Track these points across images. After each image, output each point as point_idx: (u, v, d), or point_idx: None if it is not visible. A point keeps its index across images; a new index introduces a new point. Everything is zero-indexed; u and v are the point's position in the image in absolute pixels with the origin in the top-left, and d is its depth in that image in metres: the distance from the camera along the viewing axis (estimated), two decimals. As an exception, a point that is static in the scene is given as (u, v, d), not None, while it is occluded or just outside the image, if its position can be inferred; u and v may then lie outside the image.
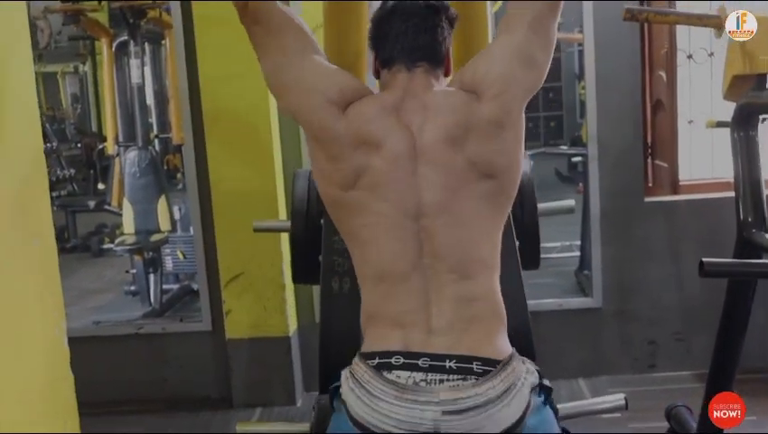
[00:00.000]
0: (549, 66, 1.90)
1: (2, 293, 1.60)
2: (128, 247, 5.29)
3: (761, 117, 2.88)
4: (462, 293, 1.77)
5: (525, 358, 1.86)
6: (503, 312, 1.84)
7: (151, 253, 5.40)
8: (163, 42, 5.89)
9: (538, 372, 1.85)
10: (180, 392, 4.22)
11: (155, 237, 5.33)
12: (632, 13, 2.83)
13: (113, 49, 5.59)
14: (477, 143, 1.79)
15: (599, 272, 4.17)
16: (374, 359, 1.74)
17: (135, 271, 5.56)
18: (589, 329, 4.18)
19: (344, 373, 1.81)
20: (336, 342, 2.68)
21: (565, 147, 8.25)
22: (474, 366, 1.71)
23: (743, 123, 2.89)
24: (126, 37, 5.43)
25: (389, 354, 1.73)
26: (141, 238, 5.32)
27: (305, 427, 2.83)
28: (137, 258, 5.44)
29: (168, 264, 5.62)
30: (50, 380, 1.78)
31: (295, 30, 1.88)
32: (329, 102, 1.81)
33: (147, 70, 5.84)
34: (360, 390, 1.73)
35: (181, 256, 5.59)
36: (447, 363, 1.70)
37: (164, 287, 5.44)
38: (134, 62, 5.40)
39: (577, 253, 5.40)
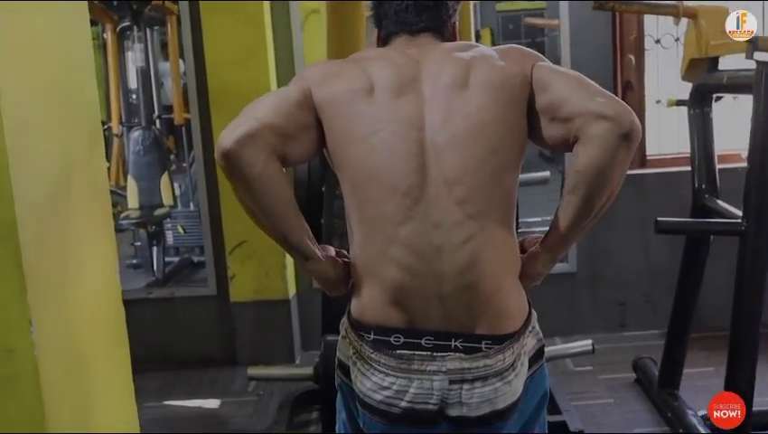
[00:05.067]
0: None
1: (69, 235, 1.93)
2: (134, 221, 5.56)
3: (714, 96, 3.23)
4: (472, 240, 1.57)
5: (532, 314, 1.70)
6: (518, 262, 1.67)
7: (154, 227, 5.69)
8: (157, 27, 6.11)
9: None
10: (188, 352, 4.54)
11: (159, 211, 5.59)
12: (599, 3, 3.17)
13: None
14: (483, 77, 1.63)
15: (574, 239, 4.49)
16: (369, 333, 1.61)
17: (139, 244, 5.84)
18: (565, 292, 4.51)
19: (342, 336, 1.71)
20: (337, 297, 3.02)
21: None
22: (483, 345, 1.59)
23: (698, 101, 3.24)
24: (128, 22, 5.72)
25: (388, 331, 1.59)
26: (145, 212, 5.58)
27: (308, 370, 3.18)
28: (141, 231, 5.73)
29: (169, 238, 5.89)
30: (108, 311, 2.11)
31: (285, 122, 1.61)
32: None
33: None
34: (362, 364, 1.62)
35: (181, 230, 5.86)
36: (453, 343, 1.58)
37: (166, 259, 5.72)
38: (137, 47, 5.68)
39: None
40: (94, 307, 2.04)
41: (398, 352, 1.58)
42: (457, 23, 1.85)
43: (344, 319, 1.71)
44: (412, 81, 1.65)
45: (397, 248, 1.58)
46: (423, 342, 1.58)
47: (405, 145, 1.59)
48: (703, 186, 3.19)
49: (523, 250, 1.72)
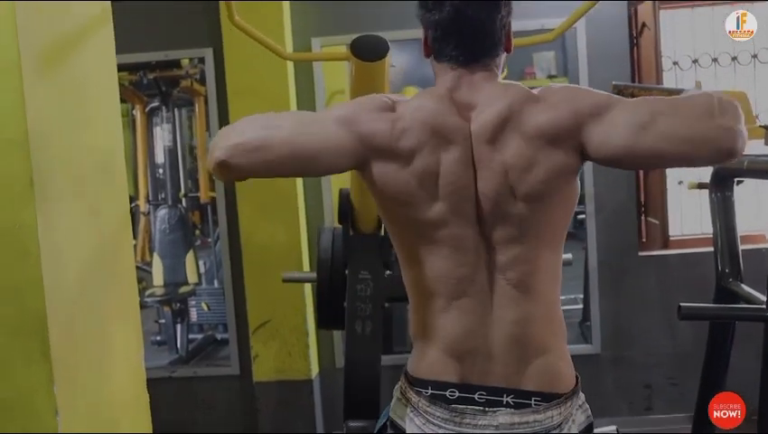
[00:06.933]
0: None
1: (96, 324, 1.96)
2: (158, 298, 5.60)
3: (735, 179, 3.23)
4: (523, 312, 1.65)
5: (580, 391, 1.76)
6: (565, 331, 1.74)
7: (179, 304, 5.72)
8: (186, 107, 6.23)
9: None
10: (210, 432, 4.53)
11: (183, 289, 5.64)
12: (618, 88, 3.20)
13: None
14: (513, 150, 1.61)
15: (597, 321, 4.48)
16: (426, 388, 1.68)
17: (163, 321, 5.86)
18: (589, 374, 4.44)
19: (397, 397, 1.76)
20: (360, 377, 3.03)
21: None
22: (533, 402, 1.65)
23: (719, 185, 3.24)
24: (157, 103, 5.85)
25: (444, 386, 1.67)
26: (170, 290, 5.63)
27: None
28: (166, 309, 5.76)
29: (193, 315, 5.93)
30: (132, 396, 2.12)
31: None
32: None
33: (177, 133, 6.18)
34: (418, 418, 1.68)
35: (205, 307, 5.90)
36: (505, 399, 1.65)
37: (190, 336, 5.74)
38: (165, 127, 5.79)
39: (581, 306, 5.66)
40: (119, 393, 2.05)
41: (452, 405, 1.66)
42: (511, 25, 1.74)
43: (398, 385, 1.77)
44: (467, 163, 1.63)
45: (451, 320, 1.68)
46: (476, 397, 1.66)
47: (459, 241, 1.65)
48: (726, 270, 3.16)
49: None
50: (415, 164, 1.62)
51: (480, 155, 1.63)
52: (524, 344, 1.66)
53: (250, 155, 1.51)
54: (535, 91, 1.66)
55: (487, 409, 1.65)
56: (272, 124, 1.57)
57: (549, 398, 1.65)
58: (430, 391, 1.67)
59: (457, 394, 1.66)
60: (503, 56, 1.74)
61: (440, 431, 1.65)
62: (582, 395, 1.77)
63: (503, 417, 1.64)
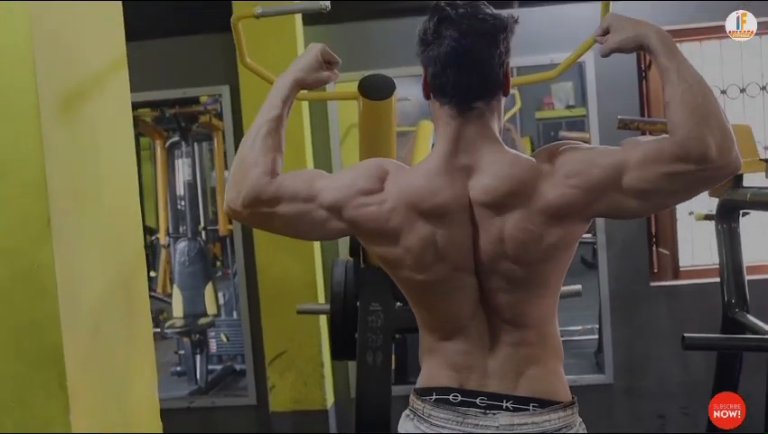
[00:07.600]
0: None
1: (111, 356, 2.04)
2: (178, 330, 5.68)
3: (741, 211, 3.28)
4: (518, 338, 1.76)
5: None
6: (561, 356, 1.83)
7: (198, 335, 5.80)
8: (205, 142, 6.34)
9: None
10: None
11: (203, 320, 5.71)
12: (624, 122, 3.27)
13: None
14: (516, 221, 1.68)
15: (610, 350, 4.51)
16: (431, 395, 1.78)
17: (183, 352, 5.94)
18: (602, 404, 4.49)
19: (405, 414, 1.84)
20: (371, 406, 3.09)
21: (589, 235, 8.42)
22: (531, 407, 1.74)
23: (725, 216, 3.29)
24: (177, 138, 5.97)
25: (447, 391, 1.77)
26: (189, 321, 5.70)
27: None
28: (185, 340, 5.83)
29: (212, 346, 6.00)
30: (145, 424, 2.18)
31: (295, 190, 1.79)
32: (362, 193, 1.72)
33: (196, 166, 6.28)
34: (423, 424, 1.78)
35: (224, 338, 5.96)
36: (504, 404, 1.74)
37: (209, 367, 5.79)
38: (185, 161, 5.90)
39: (596, 336, 5.64)
40: (132, 422, 2.12)
41: (455, 407, 1.76)
42: (509, 68, 1.76)
43: (409, 407, 1.85)
44: (466, 223, 1.71)
45: (452, 344, 1.80)
46: (477, 401, 1.76)
47: (459, 289, 1.76)
48: (732, 301, 3.21)
49: None
50: (409, 239, 1.71)
51: (480, 216, 1.70)
52: (519, 362, 1.76)
53: (256, 225, 1.95)
54: (540, 159, 1.70)
55: (488, 411, 1.74)
56: (272, 213, 1.80)
57: (546, 404, 1.75)
58: (434, 397, 1.78)
59: (460, 398, 1.76)
60: (503, 102, 1.76)
61: (444, 431, 1.75)
62: (580, 418, 1.83)
63: (503, 418, 1.73)
